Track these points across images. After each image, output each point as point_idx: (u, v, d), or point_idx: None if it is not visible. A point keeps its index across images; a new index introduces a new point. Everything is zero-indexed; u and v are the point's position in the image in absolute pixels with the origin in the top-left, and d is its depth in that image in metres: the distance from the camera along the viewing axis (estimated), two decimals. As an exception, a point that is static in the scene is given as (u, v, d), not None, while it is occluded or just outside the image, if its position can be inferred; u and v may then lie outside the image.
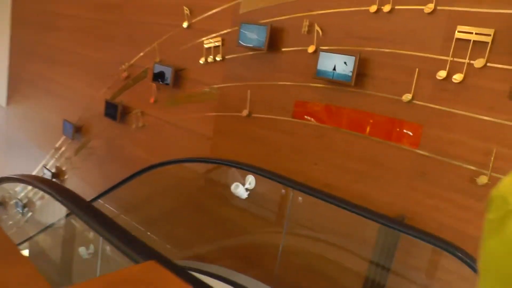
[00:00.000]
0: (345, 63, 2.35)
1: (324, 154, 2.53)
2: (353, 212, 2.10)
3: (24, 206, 5.66)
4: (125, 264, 1.29)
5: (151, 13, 3.72)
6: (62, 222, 4.22)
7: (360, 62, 2.32)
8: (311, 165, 2.57)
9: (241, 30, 2.85)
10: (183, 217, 3.43)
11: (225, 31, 3.09)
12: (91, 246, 4.16)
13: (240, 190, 2.61)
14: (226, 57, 3.09)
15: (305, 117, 2.64)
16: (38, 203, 5.35)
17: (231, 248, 3.04)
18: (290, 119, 2.71)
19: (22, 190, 5.59)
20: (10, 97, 5.96)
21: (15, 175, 2.04)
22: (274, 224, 2.80)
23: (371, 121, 2.35)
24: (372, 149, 2.35)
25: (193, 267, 2.87)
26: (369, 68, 2.33)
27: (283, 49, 2.74)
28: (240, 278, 2.63)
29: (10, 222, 5.05)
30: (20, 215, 5.65)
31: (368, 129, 2.36)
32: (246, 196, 2.66)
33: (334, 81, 2.43)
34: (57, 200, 1.48)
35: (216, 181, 3.19)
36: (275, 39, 2.75)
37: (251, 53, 2.90)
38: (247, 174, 2.67)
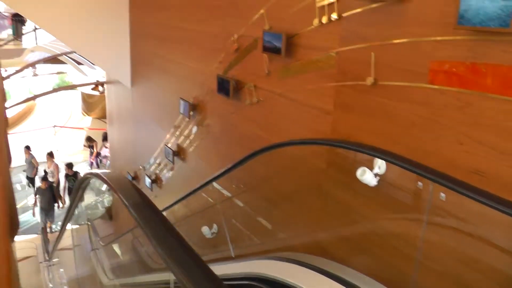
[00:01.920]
0: None
1: (470, 130, 2.13)
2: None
3: (153, 181, 6.20)
4: None
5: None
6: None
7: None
8: (453, 144, 2.20)
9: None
10: (300, 203, 3.33)
11: (339, -16, 2.78)
12: (214, 226, 4.37)
13: (367, 177, 2.37)
14: (343, 15, 2.80)
15: (444, 81, 2.25)
16: (165, 177, 5.79)
17: (356, 243, 2.85)
18: (425, 85, 2.34)
19: (152, 164, 6.10)
20: (133, 78, 6.44)
21: (102, 172, 2.11)
22: (410, 220, 2.52)
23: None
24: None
25: (307, 261, 2.76)
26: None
27: (412, -4, 2.35)
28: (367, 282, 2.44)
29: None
30: (150, 190, 6.22)
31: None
32: (376, 183, 2.41)
33: (483, 30, 1.97)
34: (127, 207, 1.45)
35: (339, 164, 2.97)
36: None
37: (373, 6, 2.57)
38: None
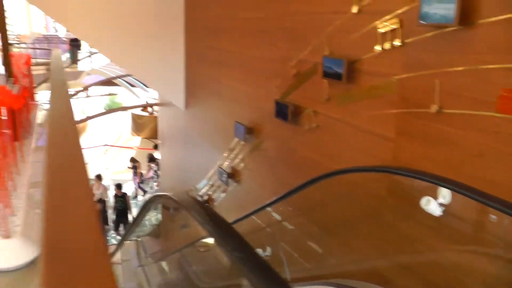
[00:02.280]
0: None
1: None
2: None
3: (205, 202, 6.33)
4: None
5: (314, 2, 3.67)
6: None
7: None
8: (526, 175, 2.17)
9: (423, 3, 2.56)
10: (357, 229, 3.33)
11: (402, 10, 2.83)
12: (268, 249, 4.41)
13: (432, 206, 2.36)
14: (406, 41, 2.83)
15: (515, 110, 2.23)
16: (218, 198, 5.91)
17: (417, 273, 2.81)
18: (493, 113, 2.33)
19: (204, 185, 6.24)
20: (187, 101, 6.67)
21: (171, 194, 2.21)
22: (477, 253, 2.47)
23: None
24: None
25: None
26: None
27: (480, 21, 2.35)
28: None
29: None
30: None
31: None
32: (440, 213, 2.40)
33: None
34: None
35: (400, 192, 2.97)
36: (466, 9, 2.39)
37: (438, 32, 2.59)
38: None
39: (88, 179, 1.24)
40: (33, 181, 3.97)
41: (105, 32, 7.56)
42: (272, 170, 4.45)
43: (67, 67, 16.40)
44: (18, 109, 4.81)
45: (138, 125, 19.78)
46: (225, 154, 5.34)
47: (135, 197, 13.61)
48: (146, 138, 18.39)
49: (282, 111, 4.00)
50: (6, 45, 5.67)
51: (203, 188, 6.38)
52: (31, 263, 2.82)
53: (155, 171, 13.41)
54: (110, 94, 21.85)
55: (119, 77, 12.23)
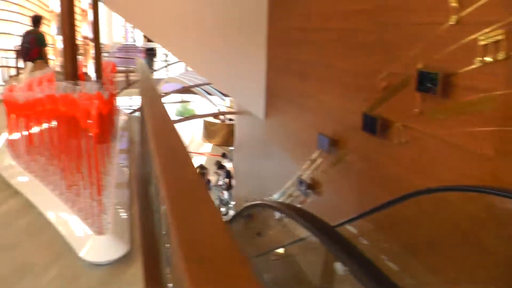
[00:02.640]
0: None
1: None
2: None
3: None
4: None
5: (407, 13, 3.62)
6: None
7: None
8: None
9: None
10: (441, 250, 3.20)
11: (508, 20, 2.70)
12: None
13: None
14: (511, 53, 2.70)
15: None
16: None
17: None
18: None
19: (282, 195, 6.29)
20: (267, 110, 6.76)
21: (269, 202, 2.24)
22: None
23: None
24: None
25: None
26: None
27: None
28: None
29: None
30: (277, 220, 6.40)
31: None
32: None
33: None
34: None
35: (502, 214, 2.82)
36: None
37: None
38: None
39: (200, 179, 1.31)
40: (118, 182, 4.19)
41: (188, 41, 7.86)
42: (356, 183, 4.40)
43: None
44: (106, 113, 5.17)
45: (210, 131, 20.28)
46: (305, 165, 5.36)
47: None
48: (217, 145, 18.81)
49: (370, 124, 3.95)
50: (99, 54, 6.08)
51: (279, 198, 6.43)
52: (122, 259, 3.01)
53: (223, 179, 13.70)
54: (182, 101, 22.62)
55: (197, 85, 12.65)
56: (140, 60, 8.38)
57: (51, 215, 3.70)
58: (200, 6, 7.23)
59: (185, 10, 7.70)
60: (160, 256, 2.91)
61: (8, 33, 16.77)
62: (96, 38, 6.02)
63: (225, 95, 11.97)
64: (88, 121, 3.46)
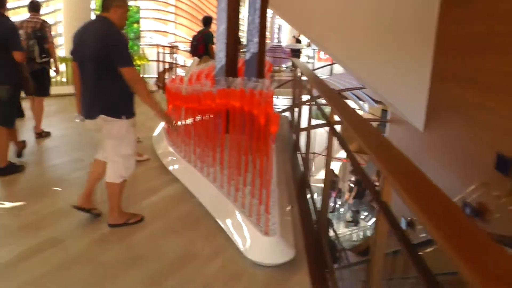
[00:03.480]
0: None
1: None
2: None
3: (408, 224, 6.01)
4: None
5: None
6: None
7: None
8: None
9: None
10: None
11: None
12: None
13: None
14: None
15: None
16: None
17: None
18: None
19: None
20: (427, 122, 6.36)
21: None
22: None
23: None
24: None
25: None
26: None
27: None
28: None
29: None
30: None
31: None
32: None
33: None
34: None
35: None
36: None
37: None
38: None
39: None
40: (278, 182, 4.11)
41: (353, 43, 7.68)
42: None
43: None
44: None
45: (347, 137, 19.83)
46: (473, 187, 4.91)
47: (332, 211, 13.80)
48: (355, 152, 18.32)
49: None
50: (263, 53, 6.21)
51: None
52: (287, 263, 2.95)
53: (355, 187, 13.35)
54: (322, 104, 22.39)
55: (348, 89, 12.34)
56: (296, 60, 8.42)
57: (211, 207, 3.76)
58: (369, 10, 7.03)
59: (352, 12, 7.52)
60: (329, 264, 2.81)
61: (164, 31, 18.39)
62: (262, 40, 6.16)
63: (378, 102, 11.54)
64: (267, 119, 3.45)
